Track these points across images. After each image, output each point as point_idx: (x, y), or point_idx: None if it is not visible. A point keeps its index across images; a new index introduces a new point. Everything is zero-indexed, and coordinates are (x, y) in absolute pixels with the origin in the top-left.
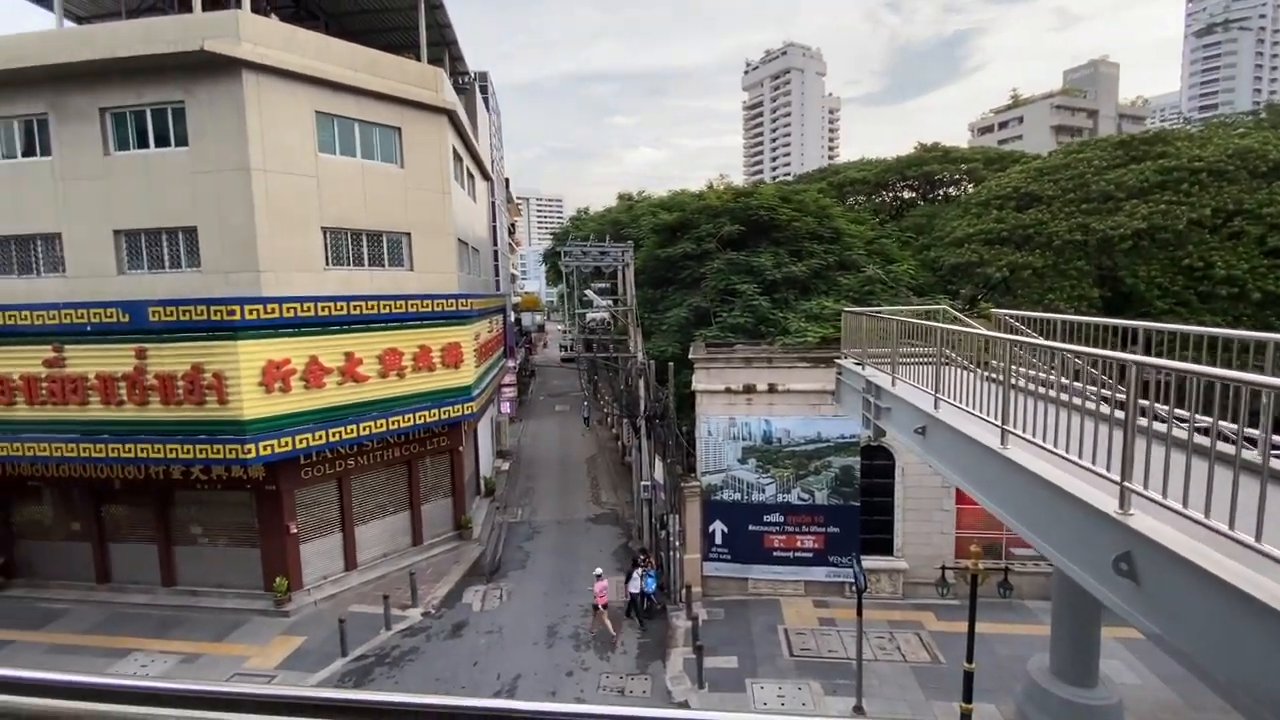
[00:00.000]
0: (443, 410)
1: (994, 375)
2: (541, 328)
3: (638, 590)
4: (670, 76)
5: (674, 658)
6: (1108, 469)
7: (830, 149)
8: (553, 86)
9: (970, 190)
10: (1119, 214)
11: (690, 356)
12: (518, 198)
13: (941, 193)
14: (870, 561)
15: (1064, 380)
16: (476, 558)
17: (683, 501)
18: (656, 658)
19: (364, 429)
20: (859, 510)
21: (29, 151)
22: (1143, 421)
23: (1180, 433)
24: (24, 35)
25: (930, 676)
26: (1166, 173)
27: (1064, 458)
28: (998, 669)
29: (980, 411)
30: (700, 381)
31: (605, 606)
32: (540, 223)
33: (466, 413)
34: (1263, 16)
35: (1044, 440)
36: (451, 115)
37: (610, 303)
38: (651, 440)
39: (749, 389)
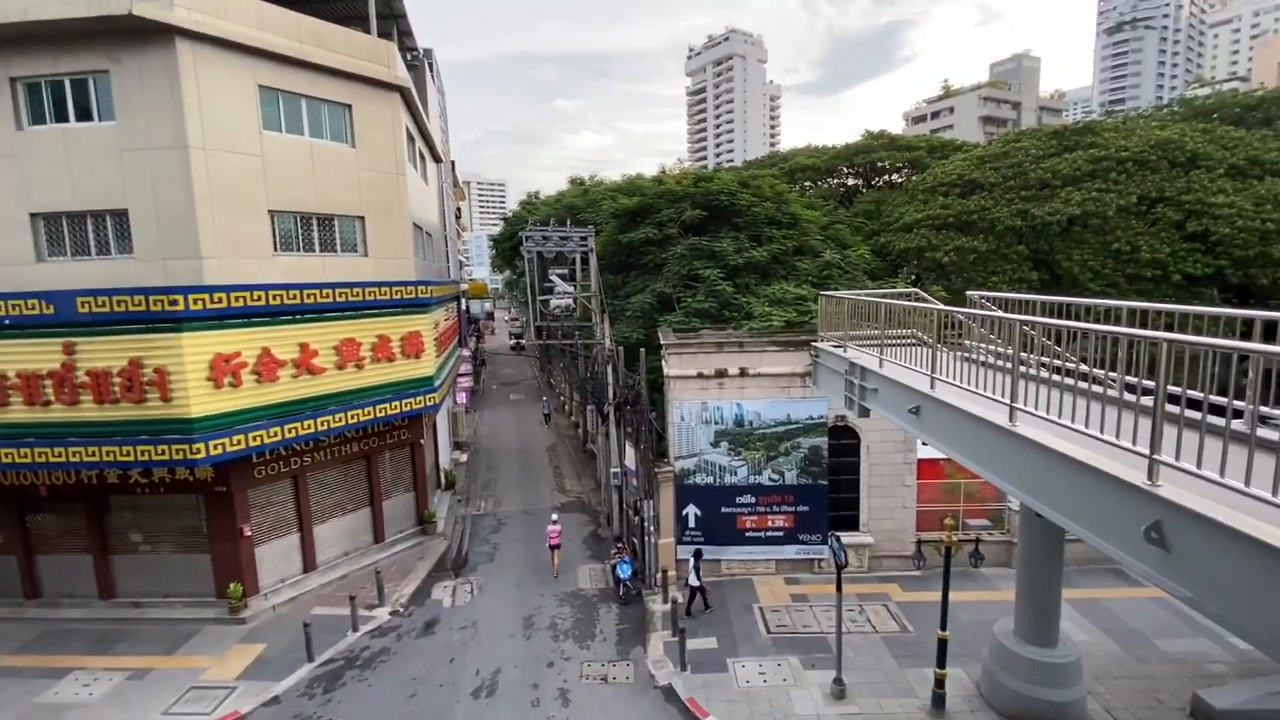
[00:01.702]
0: (404, 402)
1: (995, 356)
2: (490, 315)
3: (628, 576)
4: (614, 59)
5: (654, 642)
6: (1134, 443)
7: (772, 136)
8: (492, 67)
9: (913, 179)
10: (1055, 200)
11: (661, 342)
12: (461, 181)
13: (883, 180)
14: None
15: (1069, 362)
16: (442, 553)
17: (656, 487)
18: (636, 643)
19: (321, 424)
20: (827, 488)
21: None
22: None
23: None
24: None
25: (900, 645)
26: (1097, 162)
27: (1087, 434)
28: (962, 633)
29: (985, 390)
30: (673, 367)
31: (559, 547)
32: (482, 208)
33: (429, 404)
34: (1166, 16)
35: (1059, 418)
36: (404, 92)
37: (572, 289)
38: (621, 427)
39: (720, 373)
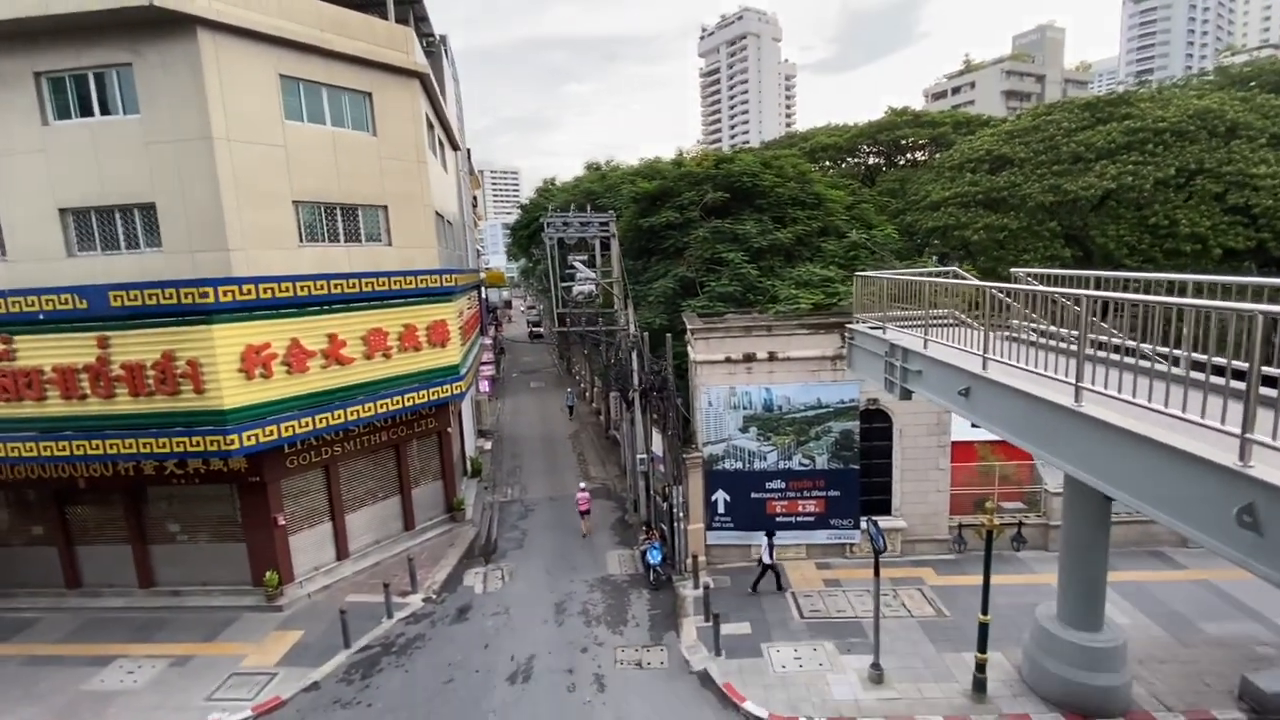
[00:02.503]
0: (431, 391)
1: (1047, 336)
2: (509, 304)
3: (658, 562)
4: (625, 41)
5: (687, 627)
6: (1222, 422)
7: (788, 116)
8: (501, 53)
9: (937, 156)
10: (1089, 175)
11: (688, 328)
12: (475, 170)
13: (907, 158)
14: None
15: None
16: (471, 539)
17: (685, 472)
18: (669, 628)
19: (351, 414)
20: (859, 473)
21: None
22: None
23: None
24: None
25: (937, 630)
26: (1132, 134)
27: (1169, 414)
28: (999, 618)
29: (1047, 370)
30: (700, 352)
31: (588, 513)
32: (496, 196)
33: (455, 392)
34: None
35: (1133, 397)
36: (424, 79)
37: (595, 275)
38: (647, 413)
39: (749, 358)
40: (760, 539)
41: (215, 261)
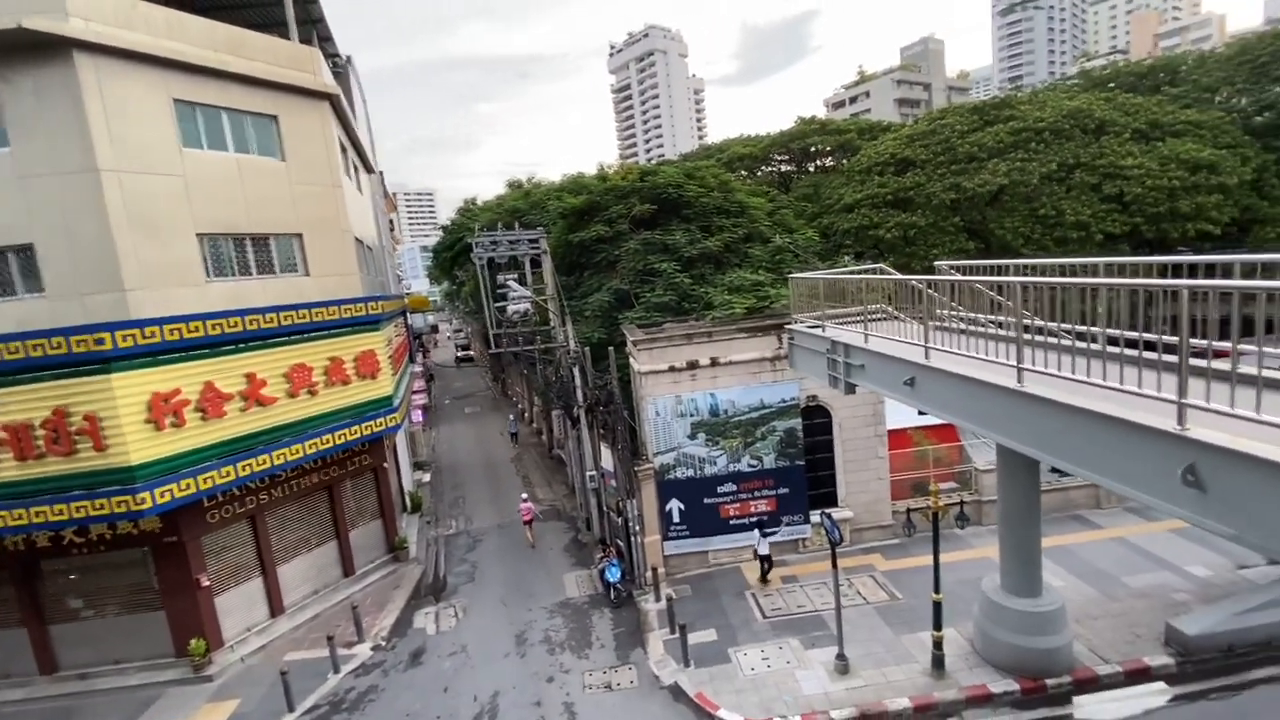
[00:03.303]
0: (364, 425)
1: (977, 324)
2: (435, 328)
3: (617, 579)
4: (536, 60)
5: (653, 642)
6: (1159, 390)
7: (700, 129)
8: (409, 73)
9: (845, 162)
10: (983, 173)
11: (629, 340)
12: (389, 192)
13: (816, 164)
14: (818, 515)
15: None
16: (418, 578)
17: (637, 485)
18: (635, 645)
19: (277, 457)
20: (805, 468)
21: None
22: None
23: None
24: None
25: (893, 614)
26: (1017, 134)
27: (1107, 387)
28: (949, 595)
29: (987, 355)
30: (643, 363)
31: (531, 523)
32: (412, 219)
33: (390, 425)
34: None
35: (1072, 374)
36: (334, 100)
37: (530, 292)
38: (594, 429)
39: (692, 364)
40: (718, 543)
41: (110, 304)
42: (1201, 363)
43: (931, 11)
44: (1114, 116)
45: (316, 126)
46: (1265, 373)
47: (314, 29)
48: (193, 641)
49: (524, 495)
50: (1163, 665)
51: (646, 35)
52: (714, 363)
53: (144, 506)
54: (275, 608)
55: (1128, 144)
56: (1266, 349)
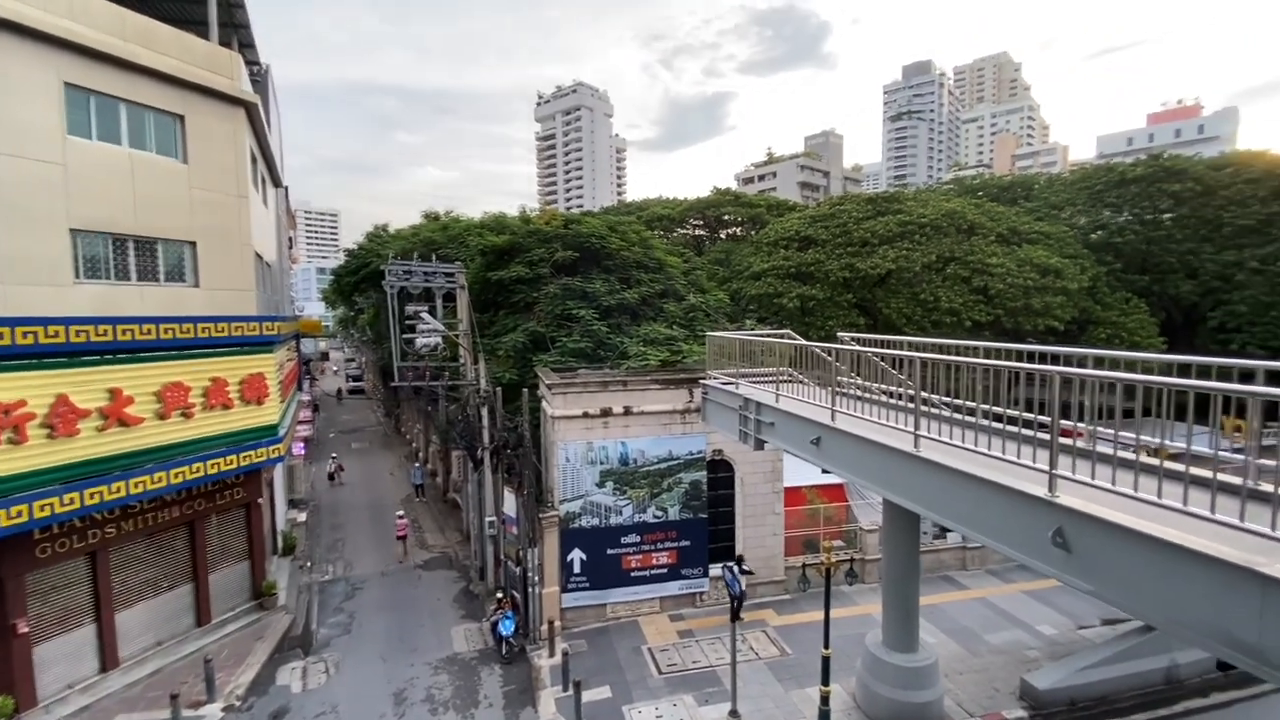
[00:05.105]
0: (243, 455)
1: (874, 393)
2: (325, 355)
3: (510, 633)
4: (457, 97)
5: (545, 700)
6: (1034, 462)
7: (619, 186)
8: (327, 93)
9: (754, 234)
10: (874, 256)
11: (544, 383)
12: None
13: (727, 233)
14: (718, 569)
15: (951, 397)
16: (285, 629)
17: (541, 533)
18: (526, 704)
19: (135, 485)
20: (707, 521)
21: None
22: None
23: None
24: None
25: (783, 669)
26: (904, 225)
27: (991, 456)
28: (834, 650)
29: (887, 421)
30: (557, 407)
31: (405, 537)
32: (311, 239)
33: (273, 456)
34: (932, 111)
35: (962, 443)
36: (250, 108)
37: (443, 326)
38: (498, 472)
39: (605, 412)
40: (617, 595)
41: None
42: (1067, 441)
43: (834, 107)
44: (982, 220)
45: (228, 132)
46: (1120, 453)
47: (235, 33)
48: None
49: (400, 512)
50: (1018, 718)
51: (575, 91)
52: (627, 411)
53: None
54: (109, 660)
55: (993, 245)
56: (1123, 433)
